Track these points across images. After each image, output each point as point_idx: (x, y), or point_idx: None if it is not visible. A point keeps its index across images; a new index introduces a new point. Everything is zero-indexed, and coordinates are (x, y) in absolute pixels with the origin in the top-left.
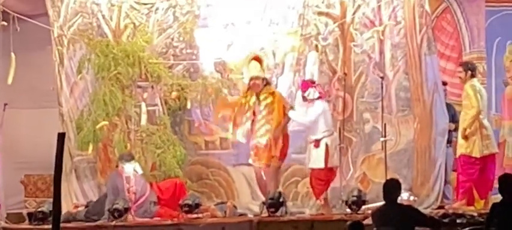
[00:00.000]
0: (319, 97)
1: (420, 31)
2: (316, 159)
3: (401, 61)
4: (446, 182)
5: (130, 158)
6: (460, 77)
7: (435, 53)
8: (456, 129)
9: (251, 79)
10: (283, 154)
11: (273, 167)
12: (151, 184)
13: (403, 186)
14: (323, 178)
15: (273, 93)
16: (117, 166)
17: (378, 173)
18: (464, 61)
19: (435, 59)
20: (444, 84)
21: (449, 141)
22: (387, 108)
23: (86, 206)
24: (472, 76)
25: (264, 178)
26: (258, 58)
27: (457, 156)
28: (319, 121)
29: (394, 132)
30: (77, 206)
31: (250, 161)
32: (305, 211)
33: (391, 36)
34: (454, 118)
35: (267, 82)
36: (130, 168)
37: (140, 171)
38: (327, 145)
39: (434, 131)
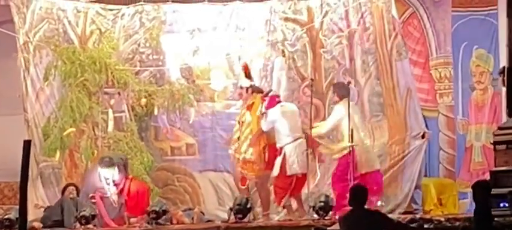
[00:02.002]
0: (267, 109)
1: (390, 37)
2: (275, 167)
3: (373, 66)
4: (416, 187)
5: (110, 164)
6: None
7: (407, 58)
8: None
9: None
10: (271, 165)
11: (261, 178)
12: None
13: None
14: (280, 185)
15: (252, 104)
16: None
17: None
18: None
19: (407, 64)
20: None
21: None
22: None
23: (45, 210)
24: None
25: (255, 188)
26: (244, 67)
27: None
28: (278, 129)
29: (369, 137)
30: (37, 206)
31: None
32: (273, 217)
33: (361, 42)
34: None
35: (253, 91)
36: (108, 174)
37: (117, 178)
38: (284, 153)
39: (409, 135)
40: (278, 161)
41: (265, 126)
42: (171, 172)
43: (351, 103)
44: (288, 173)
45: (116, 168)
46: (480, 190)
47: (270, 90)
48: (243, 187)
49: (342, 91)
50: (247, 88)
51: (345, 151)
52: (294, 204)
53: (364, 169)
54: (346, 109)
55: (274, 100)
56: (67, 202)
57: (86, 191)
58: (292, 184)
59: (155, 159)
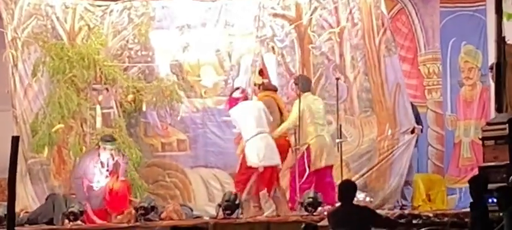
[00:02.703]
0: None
1: (378, 33)
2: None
3: (361, 62)
4: (407, 183)
5: (112, 139)
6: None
7: (396, 54)
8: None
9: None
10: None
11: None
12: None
13: (360, 184)
14: (237, 178)
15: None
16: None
17: (339, 175)
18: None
19: (396, 60)
20: None
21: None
22: (349, 110)
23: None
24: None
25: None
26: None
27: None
28: (241, 126)
29: (357, 133)
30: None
31: None
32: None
33: (349, 38)
34: (416, 119)
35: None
36: (108, 149)
37: (116, 157)
38: (245, 147)
39: (398, 131)
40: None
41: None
42: (161, 168)
43: (311, 96)
44: (248, 164)
45: (116, 144)
46: (477, 185)
47: (235, 90)
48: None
49: (305, 86)
50: (259, 86)
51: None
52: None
53: (323, 163)
54: (307, 103)
55: (234, 101)
56: (58, 199)
57: (75, 174)
58: (252, 177)
59: (145, 155)
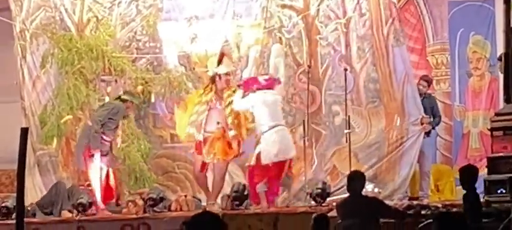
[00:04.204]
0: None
1: (386, 23)
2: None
3: (369, 53)
4: (424, 174)
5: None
6: None
7: (404, 44)
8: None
9: (226, 74)
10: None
11: (226, 163)
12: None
13: (369, 175)
14: (256, 172)
15: (234, 92)
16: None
17: (348, 165)
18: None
19: (404, 50)
20: (427, 80)
21: (428, 133)
22: (356, 100)
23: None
24: None
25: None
26: (227, 54)
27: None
28: (256, 116)
29: (365, 124)
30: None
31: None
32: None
33: (356, 28)
34: (433, 110)
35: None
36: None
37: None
38: (260, 141)
39: (407, 121)
40: (256, 149)
41: (240, 105)
42: (171, 159)
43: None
44: (263, 162)
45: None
46: (468, 175)
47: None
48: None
49: None
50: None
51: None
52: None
53: (281, 155)
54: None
55: (251, 83)
56: (61, 186)
57: (80, 145)
58: (269, 172)
59: (154, 146)
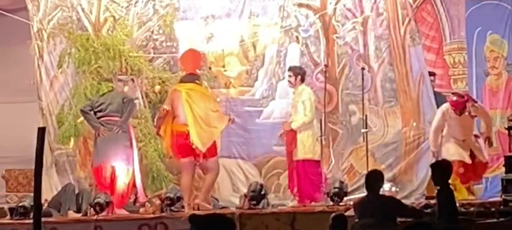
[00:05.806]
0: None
1: (403, 22)
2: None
3: (386, 52)
4: None
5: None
6: (289, 81)
7: (420, 44)
8: None
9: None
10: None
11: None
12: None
13: (387, 176)
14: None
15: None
16: None
17: (365, 165)
18: (294, 66)
19: (420, 50)
20: (432, 74)
21: None
22: (373, 100)
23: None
24: (302, 80)
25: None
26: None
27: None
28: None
29: (382, 124)
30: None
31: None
32: (287, 203)
33: (374, 28)
34: None
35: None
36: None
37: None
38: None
39: (423, 121)
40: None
41: None
42: None
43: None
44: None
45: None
46: (441, 171)
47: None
48: None
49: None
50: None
51: None
52: None
53: (301, 156)
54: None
55: None
56: (69, 187)
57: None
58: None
59: None
